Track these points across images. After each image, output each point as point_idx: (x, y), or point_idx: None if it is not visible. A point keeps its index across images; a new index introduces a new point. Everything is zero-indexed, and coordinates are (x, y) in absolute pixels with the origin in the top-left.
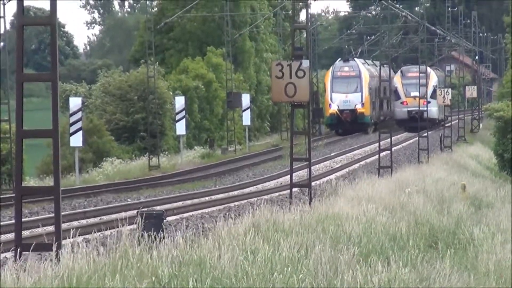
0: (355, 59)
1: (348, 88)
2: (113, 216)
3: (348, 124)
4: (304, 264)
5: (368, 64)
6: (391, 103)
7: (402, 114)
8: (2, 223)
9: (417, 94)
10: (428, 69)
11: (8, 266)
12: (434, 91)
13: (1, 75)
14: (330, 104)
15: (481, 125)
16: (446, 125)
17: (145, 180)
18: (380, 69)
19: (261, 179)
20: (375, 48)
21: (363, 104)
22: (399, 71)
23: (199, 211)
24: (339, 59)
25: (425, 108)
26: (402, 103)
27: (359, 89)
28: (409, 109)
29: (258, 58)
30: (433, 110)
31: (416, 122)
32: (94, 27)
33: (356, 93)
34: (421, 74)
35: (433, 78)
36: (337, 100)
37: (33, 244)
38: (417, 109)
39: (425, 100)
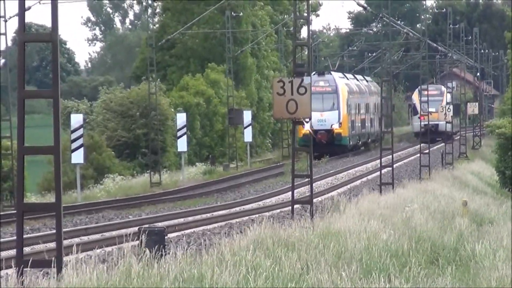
0: (332, 72)
1: (323, 105)
2: (115, 233)
3: (324, 146)
4: (305, 280)
5: (348, 78)
6: (411, 117)
7: (419, 127)
8: (3, 239)
9: (432, 110)
10: (442, 88)
11: (10, 283)
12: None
13: (2, 92)
14: (303, 124)
15: (482, 142)
16: (456, 137)
17: (147, 197)
18: (381, 85)
19: (263, 196)
20: (377, 65)
21: (340, 124)
22: (417, 90)
23: (201, 228)
24: (314, 72)
25: (439, 122)
26: (419, 117)
27: (336, 107)
28: (425, 123)
29: (259, 75)
30: (446, 124)
31: (431, 135)
32: (95, 44)
33: (332, 111)
34: (435, 92)
35: (446, 95)
36: (311, 119)
37: (34, 261)
38: (433, 123)
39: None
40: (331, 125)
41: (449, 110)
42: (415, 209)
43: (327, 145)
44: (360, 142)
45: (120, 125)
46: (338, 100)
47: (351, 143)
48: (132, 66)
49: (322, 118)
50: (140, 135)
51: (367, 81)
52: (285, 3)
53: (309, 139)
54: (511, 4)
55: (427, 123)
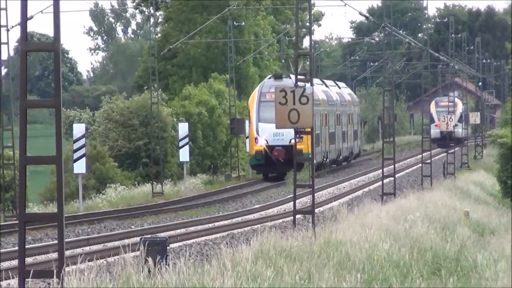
0: (291, 76)
1: None
2: (117, 243)
3: (281, 165)
4: None
5: (313, 84)
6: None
7: (436, 134)
8: (6, 250)
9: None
10: (456, 99)
11: None
12: (461, 116)
13: (4, 101)
14: (256, 138)
15: (484, 151)
16: (469, 143)
17: (149, 207)
18: (383, 96)
19: (265, 206)
20: (379, 75)
21: (301, 138)
22: (434, 101)
23: (203, 238)
24: (269, 76)
25: (455, 129)
26: (436, 125)
27: None
28: (441, 130)
29: None
30: (460, 131)
31: (446, 140)
32: (97, 53)
33: None
34: (450, 103)
35: (460, 106)
36: (266, 133)
37: (36, 271)
38: (448, 130)
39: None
40: (290, 140)
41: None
42: (417, 218)
43: (285, 164)
44: (327, 160)
45: (121, 135)
46: None
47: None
48: (134, 76)
49: (279, 132)
50: (141, 145)
51: (339, 87)
52: (287, 13)
53: (263, 157)
54: (511, 13)
55: (443, 130)
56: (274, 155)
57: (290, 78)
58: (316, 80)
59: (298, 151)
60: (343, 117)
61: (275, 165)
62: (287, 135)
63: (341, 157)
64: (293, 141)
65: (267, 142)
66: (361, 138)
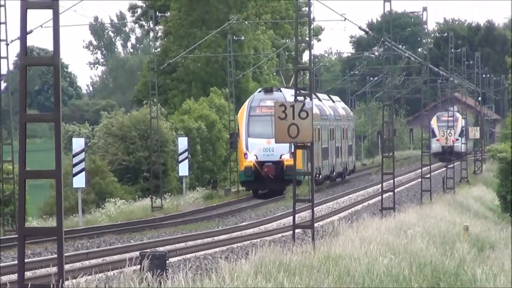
0: (282, 89)
1: (271, 130)
2: (116, 257)
3: (271, 182)
4: None
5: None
6: (430, 141)
7: (437, 148)
8: (5, 263)
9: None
10: (457, 114)
11: None
12: (462, 131)
13: (4, 116)
14: (245, 154)
15: (483, 166)
16: (469, 157)
17: (148, 221)
18: (383, 110)
19: (264, 220)
20: (378, 89)
21: (292, 154)
22: (435, 116)
23: (202, 252)
24: (259, 89)
25: (456, 144)
26: (437, 140)
27: None
28: (442, 144)
29: None
30: (460, 146)
31: (447, 155)
32: (97, 67)
33: None
34: (450, 118)
35: (461, 121)
36: (255, 148)
37: (35, 285)
38: (449, 145)
39: (456, 137)
40: (281, 156)
41: (450, 134)
42: (417, 232)
43: (275, 181)
44: (320, 177)
45: (121, 149)
46: None
47: (305, 178)
48: (134, 90)
49: (269, 147)
50: (141, 158)
51: (333, 101)
52: (286, 27)
53: (252, 173)
54: (511, 28)
55: (444, 145)
56: (264, 171)
57: (281, 91)
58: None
59: (288, 168)
60: (337, 132)
61: (265, 182)
62: (277, 151)
63: (334, 173)
64: (284, 156)
65: (257, 158)
66: (356, 154)
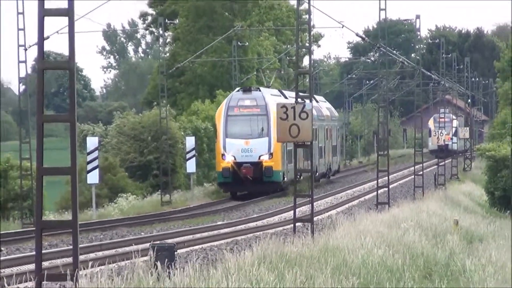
0: (261, 88)
1: (250, 130)
2: (128, 249)
3: (249, 183)
4: None
5: (286, 97)
6: (428, 140)
7: (434, 146)
8: (24, 254)
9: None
10: (452, 115)
11: None
12: (456, 131)
13: (22, 116)
14: (223, 155)
15: (473, 164)
16: (461, 155)
17: (158, 215)
18: (378, 111)
19: (266, 214)
20: (374, 92)
21: (271, 155)
22: (432, 117)
23: (208, 244)
24: (237, 88)
25: (450, 142)
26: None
27: (266, 133)
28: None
29: None
30: (455, 144)
31: (442, 152)
32: (110, 71)
33: (260, 138)
34: (446, 120)
35: (455, 122)
36: (233, 149)
37: (51, 274)
38: (445, 143)
39: (450, 137)
40: (259, 157)
41: (441, 134)
42: (410, 226)
43: (254, 182)
44: (301, 178)
45: (133, 148)
46: (269, 124)
47: (285, 179)
48: (144, 92)
49: (248, 148)
50: (152, 159)
51: (317, 101)
52: (288, 34)
53: (230, 174)
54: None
55: (441, 144)
56: (242, 173)
57: (260, 91)
58: (289, 93)
59: (267, 169)
60: (320, 132)
61: (244, 183)
62: (255, 152)
63: (317, 173)
64: (262, 157)
65: (235, 159)
66: (341, 154)
